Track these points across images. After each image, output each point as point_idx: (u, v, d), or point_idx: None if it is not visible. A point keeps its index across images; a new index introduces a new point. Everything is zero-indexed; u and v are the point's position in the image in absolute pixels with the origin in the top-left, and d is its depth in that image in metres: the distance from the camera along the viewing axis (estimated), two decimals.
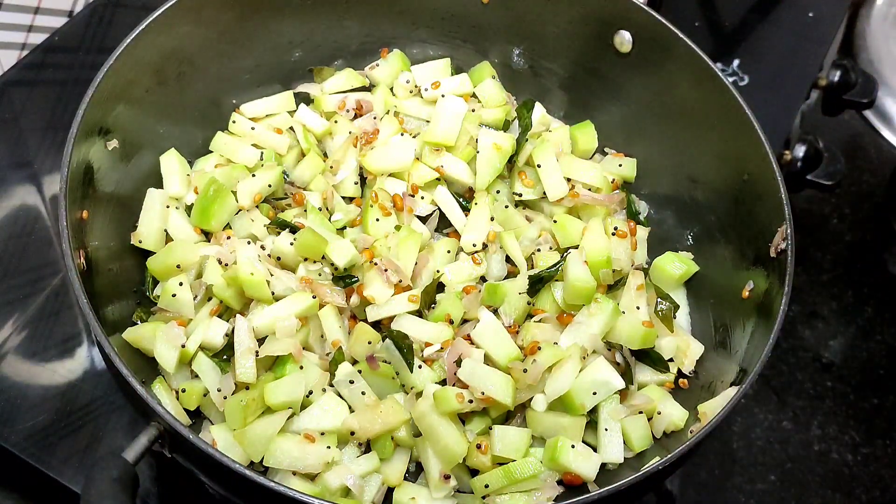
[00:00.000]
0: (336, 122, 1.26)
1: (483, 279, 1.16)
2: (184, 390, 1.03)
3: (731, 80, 1.12)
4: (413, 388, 1.05)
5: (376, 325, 1.08)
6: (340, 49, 1.31)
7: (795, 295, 0.98)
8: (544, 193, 1.20)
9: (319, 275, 1.12)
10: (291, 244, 1.10)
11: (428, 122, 1.26)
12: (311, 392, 1.03)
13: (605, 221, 1.17)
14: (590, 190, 1.22)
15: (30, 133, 1.38)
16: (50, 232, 1.29)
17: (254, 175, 1.18)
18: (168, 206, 1.14)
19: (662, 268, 1.15)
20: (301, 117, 1.26)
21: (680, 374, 1.11)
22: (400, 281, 1.08)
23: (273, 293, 1.08)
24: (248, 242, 1.13)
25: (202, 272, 1.09)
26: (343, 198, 1.21)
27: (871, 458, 1.21)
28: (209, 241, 1.14)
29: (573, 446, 1.00)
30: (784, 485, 1.18)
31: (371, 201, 1.16)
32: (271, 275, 1.09)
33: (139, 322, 1.08)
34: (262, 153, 1.21)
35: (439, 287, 1.14)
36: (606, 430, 1.03)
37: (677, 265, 1.15)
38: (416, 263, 1.11)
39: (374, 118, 1.26)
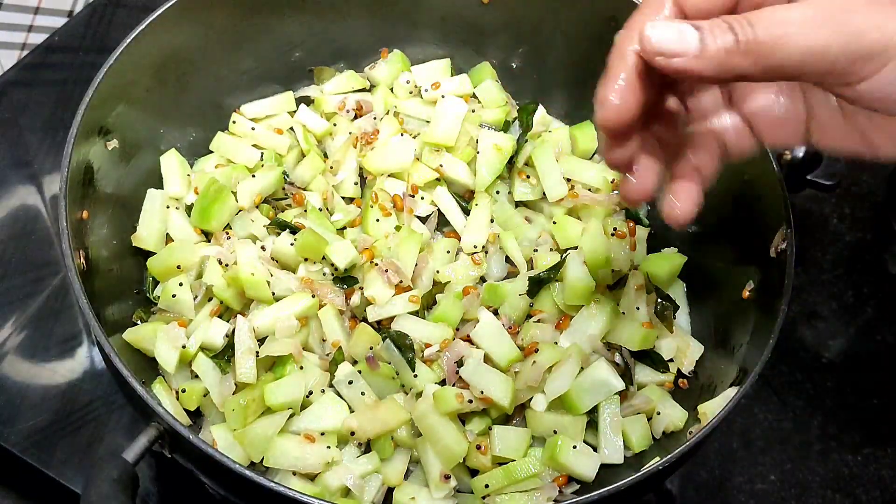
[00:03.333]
0: (335, 123, 1.26)
1: (482, 279, 1.16)
2: (184, 390, 1.03)
3: None
4: (413, 388, 1.05)
5: (376, 325, 1.09)
6: (340, 49, 1.31)
7: (795, 295, 0.98)
8: (544, 194, 1.20)
9: (323, 274, 1.12)
10: (292, 245, 1.10)
11: (428, 122, 1.26)
12: (311, 392, 1.03)
13: (604, 222, 1.17)
14: (589, 190, 1.22)
15: (30, 133, 1.38)
16: (50, 232, 1.29)
17: (254, 175, 1.18)
18: (168, 207, 1.14)
19: (650, 271, 1.15)
20: (301, 118, 1.26)
21: (680, 374, 1.11)
22: (400, 281, 1.08)
23: (273, 294, 1.08)
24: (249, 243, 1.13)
25: (202, 272, 1.10)
26: (343, 198, 1.21)
27: (872, 458, 1.21)
28: (209, 242, 1.14)
29: (574, 447, 1.00)
30: (784, 485, 1.18)
31: (371, 202, 1.16)
32: (271, 275, 1.09)
33: (139, 322, 1.08)
34: (262, 153, 1.22)
35: (439, 287, 1.14)
36: (606, 430, 1.03)
37: (664, 263, 1.15)
38: (416, 264, 1.11)
39: (375, 118, 1.26)
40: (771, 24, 0.63)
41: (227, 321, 1.07)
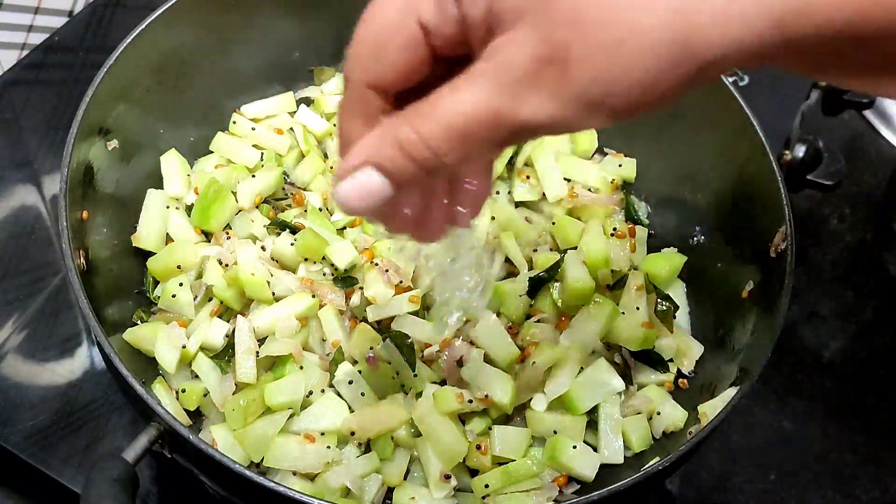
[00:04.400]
0: (335, 124, 1.26)
1: None
2: (184, 390, 1.03)
3: (731, 80, 1.12)
4: (413, 388, 1.05)
5: (376, 325, 1.09)
6: (340, 49, 1.29)
7: (795, 295, 0.98)
8: (544, 194, 1.20)
9: (323, 275, 1.12)
10: (292, 245, 1.10)
11: None
12: (311, 392, 1.03)
13: (604, 222, 1.17)
14: (589, 190, 1.22)
15: (30, 133, 1.38)
16: (50, 232, 1.29)
17: (254, 176, 1.18)
18: (168, 207, 1.14)
19: (650, 271, 1.15)
20: (301, 118, 1.26)
21: (680, 374, 1.11)
22: (400, 282, 1.08)
23: (273, 294, 1.08)
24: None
25: (202, 273, 1.10)
26: None
27: (871, 458, 1.21)
28: (209, 242, 1.14)
29: (574, 447, 1.00)
30: (784, 485, 1.18)
31: None
32: (271, 275, 1.09)
33: (139, 322, 1.08)
34: (262, 154, 1.22)
35: None
36: (606, 430, 1.03)
37: (664, 263, 1.15)
38: (416, 264, 1.12)
39: None
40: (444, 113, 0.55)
41: (227, 321, 1.07)
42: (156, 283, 1.11)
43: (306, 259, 1.11)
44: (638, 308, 1.09)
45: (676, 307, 1.14)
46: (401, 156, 0.57)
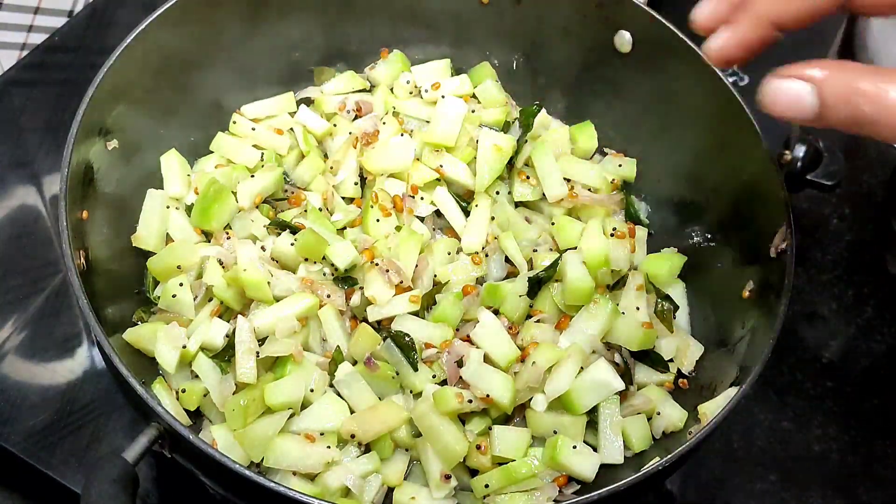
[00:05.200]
0: (335, 124, 1.26)
1: (482, 280, 1.16)
2: (184, 390, 1.03)
3: (731, 80, 1.12)
4: (413, 388, 1.05)
5: (376, 325, 1.09)
6: (340, 49, 1.31)
7: (795, 295, 0.98)
8: (544, 194, 1.20)
9: (324, 275, 1.12)
10: (292, 245, 1.10)
11: (428, 122, 1.26)
12: (312, 390, 1.03)
13: (603, 222, 1.17)
14: (589, 190, 1.22)
15: (30, 133, 1.38)
16: (50, 232, 1.29)
17: (253, 176, 1.18)
18: (168, 207, 1.14)
19: (650, 271, 1.15)
20: (301, 118, 1.26)
21: (680, 374, 1.11)
22: (401, 282, 1.08)
23: (273, 294, 1.08)
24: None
25: (202, 273, 1.10)
26: (343, 198, 1.21)
27: (871, 458, 1.21)
28: (209, 242, 1.14)
29: (574, 447, 1.00)
30: (784, 485, 1.18)
31: (371, 202, 1.16)
32: (271, 275, 1.09)
33: (139, 322, 1.08)
34: (262, 154, 1.22)
35: (438, 288, 1.14)
36: (606, 430, 1.03)
37: (664, 263, 1.15)
38: (416, 264, 1.11)
39: (375, 118, 1.26)
40: None
41: (227, 321, 1.07)
42: (156, 283, 1.11)
43: (306, 259, 1.11)
44: (638, 308, 1.09)
45: (676, 307, 1.14)
46: (844, 99, 0.62)
